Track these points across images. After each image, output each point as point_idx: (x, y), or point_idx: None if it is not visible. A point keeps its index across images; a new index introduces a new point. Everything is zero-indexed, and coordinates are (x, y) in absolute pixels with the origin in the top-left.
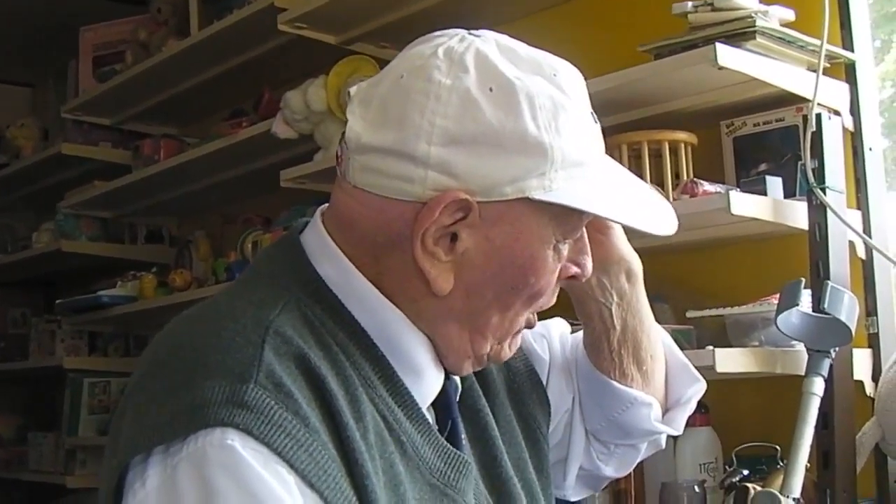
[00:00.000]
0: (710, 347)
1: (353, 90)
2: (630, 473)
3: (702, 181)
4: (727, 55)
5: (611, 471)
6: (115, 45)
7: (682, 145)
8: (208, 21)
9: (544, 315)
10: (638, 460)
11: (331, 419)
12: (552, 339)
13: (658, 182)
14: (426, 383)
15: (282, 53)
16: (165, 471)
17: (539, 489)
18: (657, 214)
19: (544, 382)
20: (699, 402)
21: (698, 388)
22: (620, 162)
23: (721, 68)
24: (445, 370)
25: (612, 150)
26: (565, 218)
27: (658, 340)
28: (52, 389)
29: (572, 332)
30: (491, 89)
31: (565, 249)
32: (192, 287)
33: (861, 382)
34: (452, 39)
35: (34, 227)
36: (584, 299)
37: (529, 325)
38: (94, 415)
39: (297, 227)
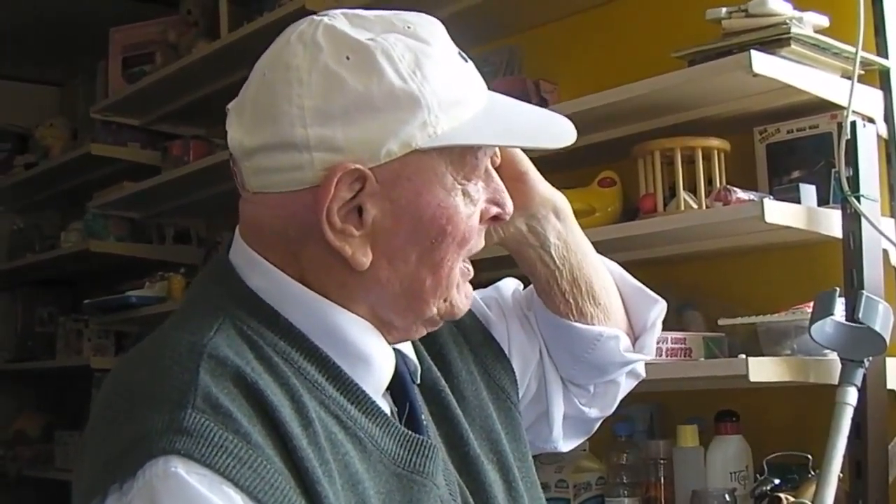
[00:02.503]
0: (743, 356)
1: (228, 106)
2: (660, 481)
3: (735, 188)
4: (762, 62)
5: (596, 412)
6: (145, 46)
7: (715, 152)
8: (238, 23)
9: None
10: (621, 395)
11: (275, 431)
12: (505, 299)
13: (691, 188)
14: (376, 369)
15: None
16: None
17: (514, 459)
18: (552, 130)
19: (507, 344)
20: (730, 411)
21: (660, 309)
22: (653, 168)
23: (756, 75)
24: (401, 341)
25: (644, 156)
26: (461, 159)
27: (606, 272)
28: (78, 388)
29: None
30: (348, 58)
31: (477, 192)
32: None
33: (894, 392)
34: (302, 24)
35: (62, 227)
36: (521, 249)
37: (468, 276)
38: None
39: (223, 251)
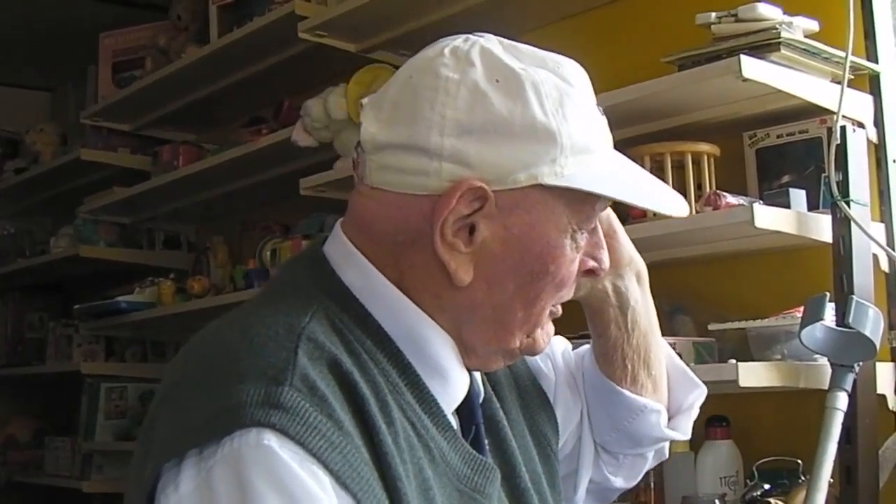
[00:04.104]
0: (733, 361)
1: (364, 100)
2: (650, 487)
3: (725, 193)
4: (752, 67)
5: (620, 482)
6: (135, 52)
7: (705, 157)
8: (228, 28)
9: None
10: (645, 469)
11: (363, 423)
12: (556, 356)
13: (680, 193)
14: (451, 387)
15: (302, 61)
16: (199, 474)
17: (553, 503)
18: (669, 198)
19: (552, 400)
20: (720, 416)
21: (699, 394)
22: None
23: (746, 80)
24: (476, 369)
25: (634, 161)
26: (579, 205)
27: (662, 345)
28: (69, 394)
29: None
30: (497, 80)
31: (582, 240)
32: (209, 294)
33: (884, 397)
34: (457, 40)
35: (52, 232)
36: (601, 307)
37: (554, 316)
38: (110, 420)
39: (318, 241)
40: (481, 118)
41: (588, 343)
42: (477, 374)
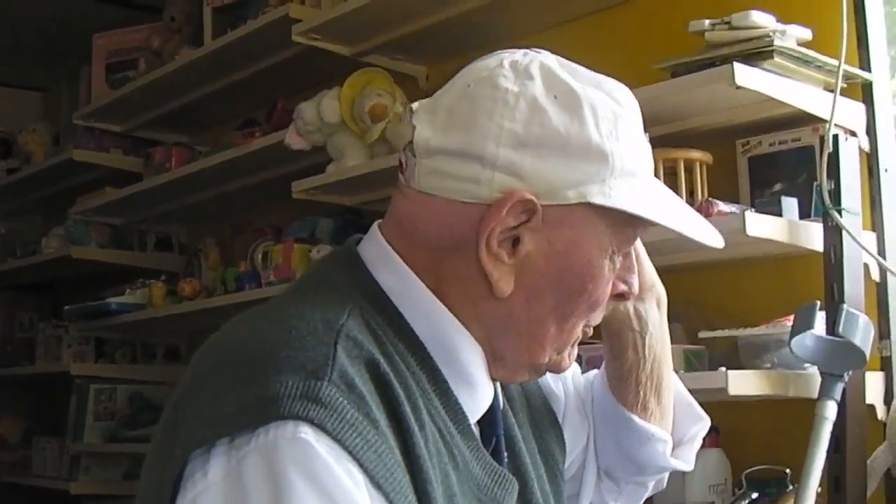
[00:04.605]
0: (723, 369)
1: (415, 105)
2: None
3: (717, 201)
4: (745, 74)
5: None
6: (129, 53)
7: (697, 164)
8: (222, 30)
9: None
10: (644, 498)
11: (397, 425)
12: (566, 378)
13: None
14: (478, 397)
15: (295, 64)
16: (230, 462)
17: None
18: (706, 228)
19: (560, 420)
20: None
21: (702, 426)
22: None
23: (739, 88)
24: (501, 380)
25: None
26: (622, 227)
27: (672, 375)
28: (58, 394)
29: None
30: (556, 97)
31: (618, 263)
32: (200, 296)
33: (873, 406)
34: (516, 54)
35: (43, 232)
36: (621, 329)
37: (586, 336)
38: (99, 421)
39: (351, 241)
40: (538, 132)
41: (587, 351)
42: (497, 387)
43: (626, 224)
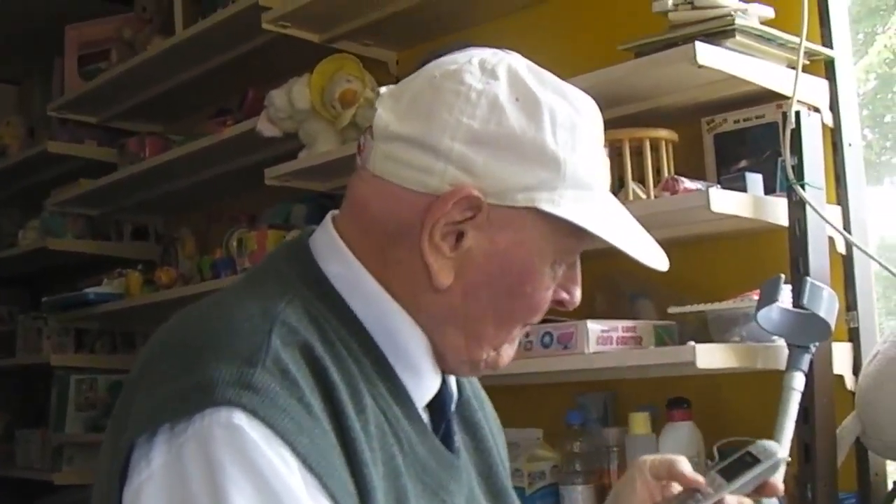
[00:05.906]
0: (692, 343)
1: (383, 89)
2: (612, 468)
3: (682, 178)
4: (707, 54)
5: None
6: (101, 44)
7: (663, 142)
8: (193, 20)
9: None
10: None
11: (332, 408)
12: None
13: (639, 179)
14: (424, 383)
15: (266, 52)
16: (171, 450)
17: None
18: (652, 250)
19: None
20: (681, 398)
21: None
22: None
23: (701, 66)
24: (443, 372)
25: None
26: (565, 237)
27: None
28: (39, 386)
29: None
30: (517, 99)
31: (560, 272)
32: (177, 284)
33: (841, 377)
34: (486, 52)
35: (20, 225)
36: None
37: (517, 336)
38: (81, 412)
39: (305, 232)
40: (494, 131)
41: (558, 328)
42: (452, 378)
43: (570, 234)
